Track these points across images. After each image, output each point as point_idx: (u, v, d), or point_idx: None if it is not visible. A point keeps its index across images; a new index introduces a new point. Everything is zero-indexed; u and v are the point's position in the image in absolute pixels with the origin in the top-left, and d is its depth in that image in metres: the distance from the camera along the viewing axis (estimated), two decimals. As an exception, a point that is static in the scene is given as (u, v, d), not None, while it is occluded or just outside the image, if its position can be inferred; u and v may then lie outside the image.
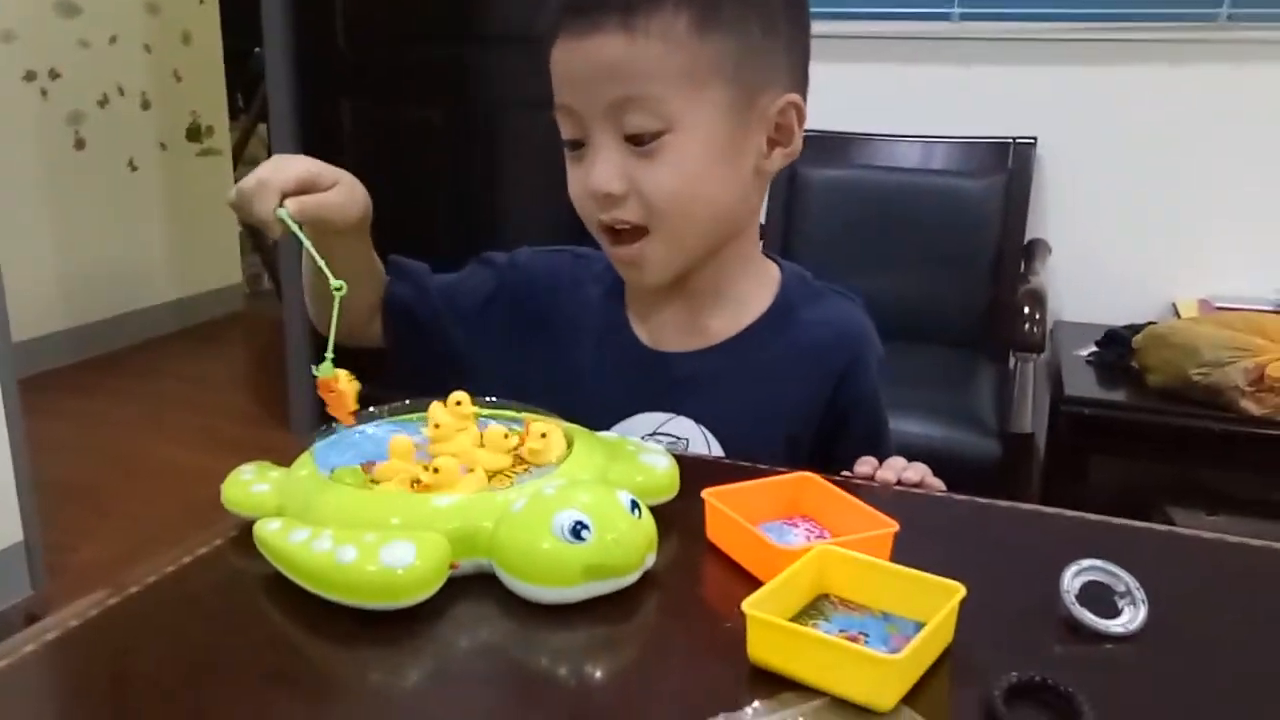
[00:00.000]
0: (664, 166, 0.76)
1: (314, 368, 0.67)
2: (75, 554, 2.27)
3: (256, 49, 3.53)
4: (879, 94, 2.39)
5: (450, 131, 2.60)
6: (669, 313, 0.87)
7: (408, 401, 0.72)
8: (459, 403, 0.68)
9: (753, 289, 0.88)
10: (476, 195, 2.61)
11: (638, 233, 0.79)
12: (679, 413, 0.85)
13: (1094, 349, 2.03)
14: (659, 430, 0.85)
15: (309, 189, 0.73)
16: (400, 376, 0.82)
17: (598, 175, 0.76)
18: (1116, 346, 1.99)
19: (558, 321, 0.90)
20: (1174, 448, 1.87)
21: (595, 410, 0.83)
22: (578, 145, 0.79)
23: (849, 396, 0.87)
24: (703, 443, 0.85)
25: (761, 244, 0.92)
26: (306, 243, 0.71)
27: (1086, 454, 1.92)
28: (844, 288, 0.92)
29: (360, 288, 0.81)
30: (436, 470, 0.60)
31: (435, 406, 0.67)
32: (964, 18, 2.31)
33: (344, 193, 0.76)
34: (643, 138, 0.75)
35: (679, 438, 0.84)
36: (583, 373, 0.88)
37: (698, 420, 0.85)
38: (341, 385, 0.66)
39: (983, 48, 2.31)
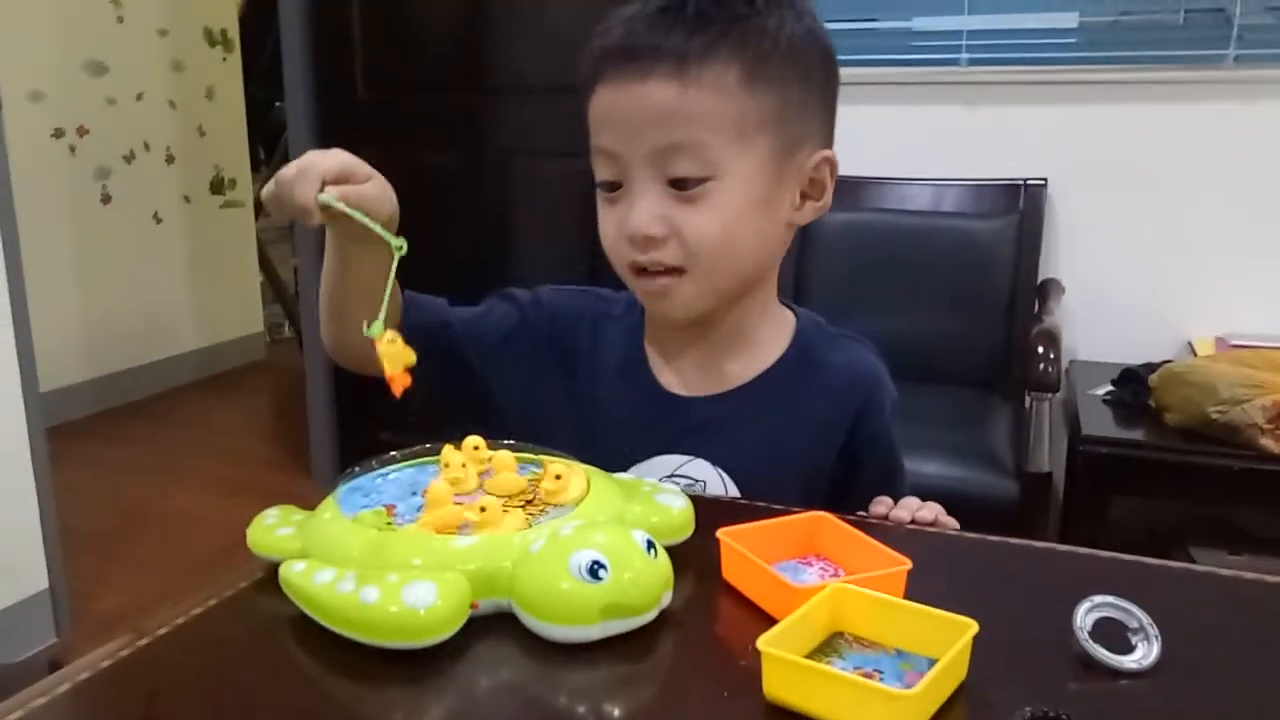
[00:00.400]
0: (706, 212, 0.78)
1: (366, 327, 0.67)
2: (98, 602, 2.29)
3: (278, 103, 3.61)
4: (889, 138, 2.42)
5: (465, 177, 2.65)
6: (689, 357, 0.88)
7: (428, 445, 0.73)
8: (476, 447, 0.69)
9: (770, 335, 0.89)
10: (490, 238, 2.65)
11: (671, 272, 0.80)
12: (697, 455, 0.86)
13: (1110, 388, 2.03)
14: (676, 472, 0.86)
15: (346, 179, 0.72)
16: (418, 404, 0.80)
17: (639, 218, 0.78)
18: (1133, 385, 1.99)
19: (579, 360, 0.91)
20: (1194, 487, 1.86)
21: (614, 451, 0.84)
22: (614, 187, 0.80)
23: (863, 438, 0.88)
24: (720, 485, 0.86)
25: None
26: (359, 216, 0.69)
27: (1105, 494, 1.91)
28: (857, 333, 0.94)
29: (377, 298, 0.77)
30: (484, 509, 0.61)
31: (447, 449, 0.68)
32: (972, 62, 2.34)
33: (379, 186, 0.75)
34: (687, 183, 0.77)
35: (696, 480, 0.86)
36: (602, 413, 0.89)
37: (715, 463, 0.86)
38: (390, 343, 0.66)
39: (991, 91, 2.33)
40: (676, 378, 0.89)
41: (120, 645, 0.57)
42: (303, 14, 2.67)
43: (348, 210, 0.69)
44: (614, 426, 0.88)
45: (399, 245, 0.69)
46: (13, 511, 2.06)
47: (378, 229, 0.70)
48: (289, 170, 0.71)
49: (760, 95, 0.77)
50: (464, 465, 0.67)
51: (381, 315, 0.67)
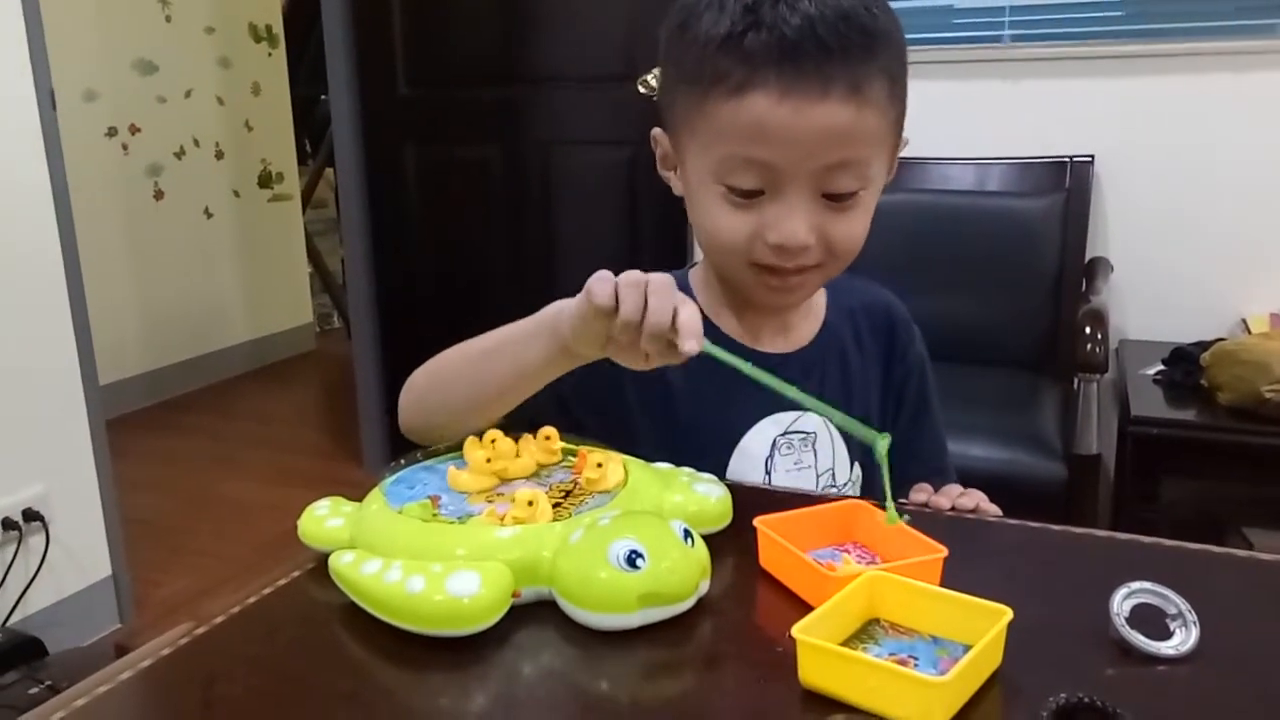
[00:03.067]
0: (855, 220, 0.80)
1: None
2: (158, 588, 2.36)
3: (323, 96, 3.66)
4: (932, 118, 2.38)
5: (506, 169, 2.67)
6: (767, 321, 0.91)
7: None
8: (493, 441, 0.70)
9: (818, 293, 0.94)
10: (532, 229, 2.68)
11: (807, 270, 0.81)
12: (802, 410, 0.86)
13: (1161, 367, 2.00)
14: (790, 428, 0.88)
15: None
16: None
17: (795, 230, 0.77)
18: (1184, 364, 1.96)
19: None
20: (1247, 467, 1.83)
21: (721, 428, 0.87)
22: (754, 194, 0.78)
23: (908, 359, 0.96)
24: (827, 434, 0.89)
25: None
26: (745, 367, 0.66)
27: (1156, 475, 1.88)
28: (895, 275, 1.02)
29: (509, 398, 0.77)
30: (531, 503, 0.62)
31: (470, 442, 0.70)
32: (1015, 38, 2.30)
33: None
34: (841, 195, 0.78)
35: (809, 432, 0.88)
36: (705, 392, 0.88)
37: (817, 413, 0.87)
38: None
39: (1035, 67, 2.30)
40: (765, 341, 0.91)
41: (180, 634, 0.59)
42: (344, 9, 2.71)
43: (733, 361, 0.64)
44: (718, 402, 0.88)
45: (885, 444, 0.64)
46: (78, 502, 2.13)
47: (858, 428, 0.66)
48: (671, 289, 0.64)
49: (896, 103, 0.79)
50: (487, 460, 0.68)
51: (890, 504, 0.64)
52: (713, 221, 0.81)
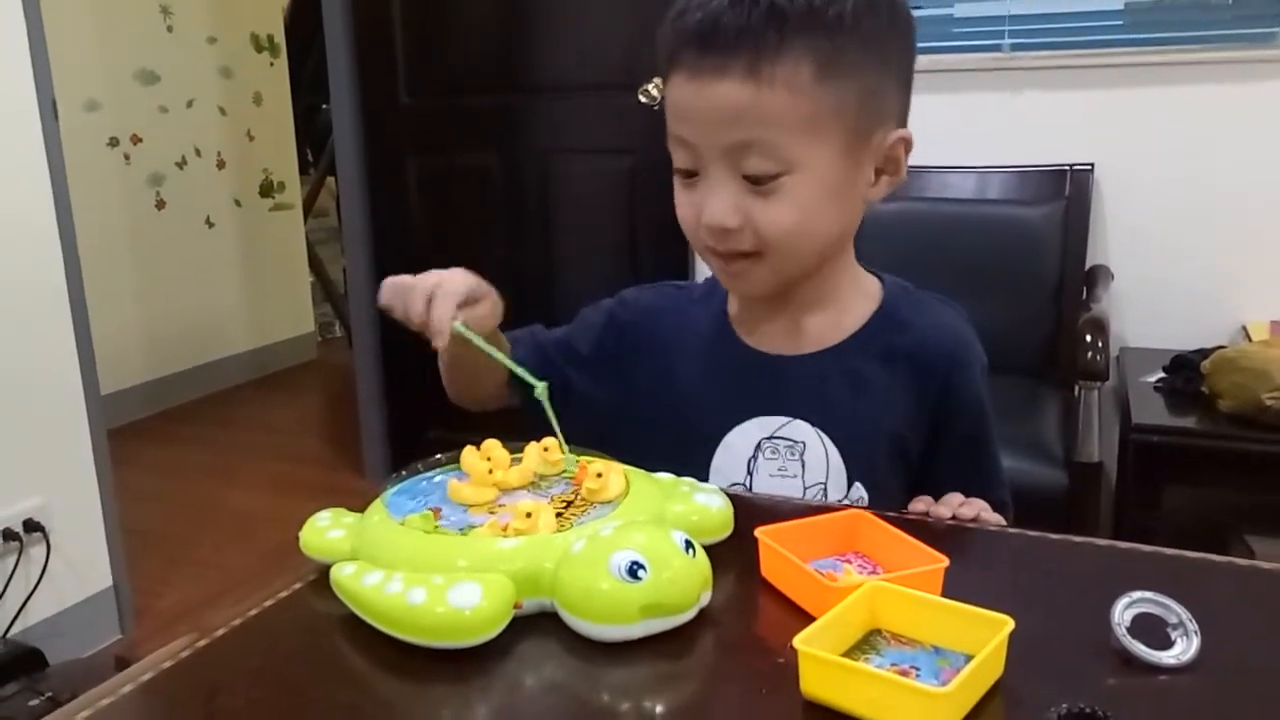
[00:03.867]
0: (780, 206, 0.78)
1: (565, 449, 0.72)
2: (158, 599, 2.36)
3: (324, 105, 3.67)
4: (932, 126, 2.37)
5: (506, 177, 2.68)
6: (775, 319, 0.90)
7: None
8: (546, 448, 0.72)
9: (854, 296, 0.91)
10: (533, 236, 2.68)
11: (747, 256, 0.82)
12: (795, 417, 0.87)
13: (1162, 375, 2.00)
14: (776, 434, 0.87)
15: (472, 303, 0.79)
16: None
17: (714, 210, 0.79)
18: (1185, 372, 1.95)
19: (667, 342, 0.93)
20: (1249, 475, 1.82)
21: (710, 419, 0.88)
22: (691, 174, 0.81)
23: (954, 402, 0.89)
24: (819, 446, 0.87)
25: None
26: (494, 353, 0.77)
27: (1158, 483, 1.88)
28: (946, 297, 0.95)
29: (494, 371, 0.86)
30: (529, 515, 0.62)
31: (468, 451, 0.70)
32: (1015, 47, 2.31)
33: (491, 306, 0.82)
34: (760, 178, 0.78)
35: (796, 441, 0.87)
36: (698, 384, 0.91)
37: (813, 424, 0.87)
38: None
39: (1035, 76, 2.30)
40: (765, 340, 0.90)
41: (181, 646, 0.60)
42: (345, 19, 2.72)
43: (486, 348, 0.76)
44: (711, 393, 0.90)
45: (541, 390, 0.74)
46: (78, 512, 2.13)
47: (520, 371, 0.77)
48: (421, 286, 0.76)
49: (835, 88, 0.77)
50: (489, 471, 0.69)
51: (561, 443, 0.72)
52: (676, 204, 0.84)
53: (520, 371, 0.76)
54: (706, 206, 0.79)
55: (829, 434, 0.87)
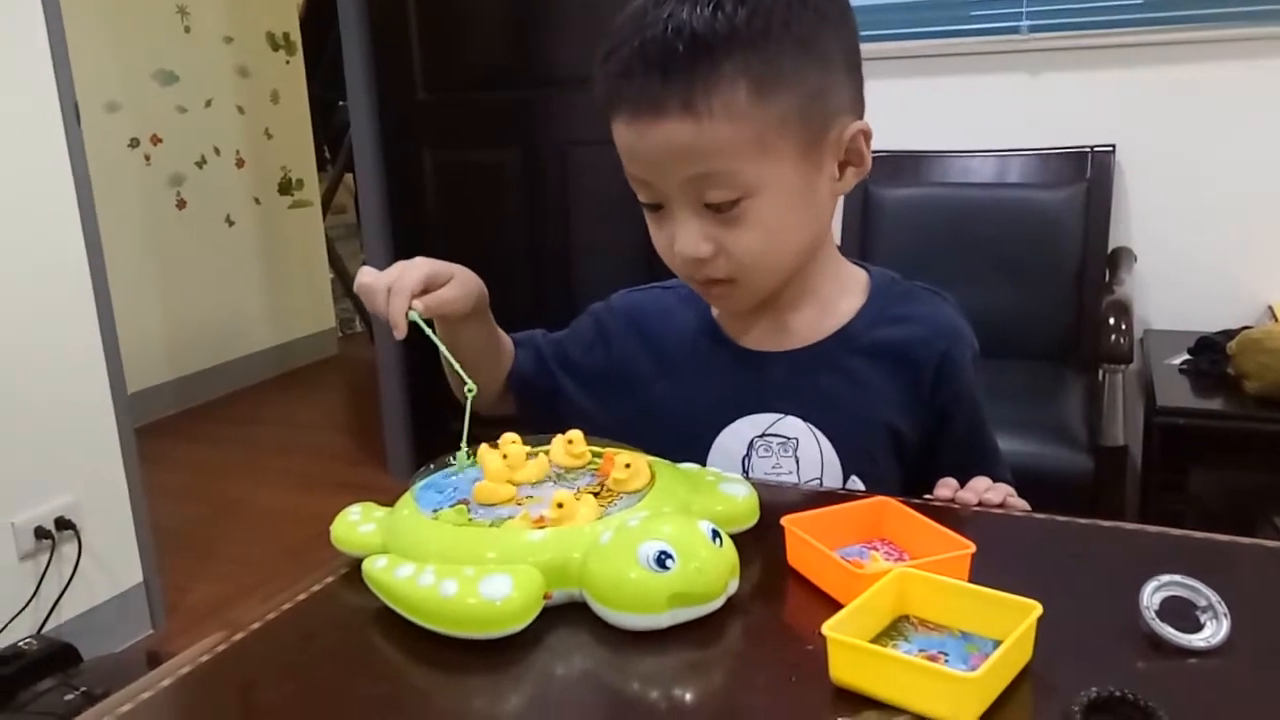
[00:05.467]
0: (748, 230, 0.78)
1: (453, 458, 0.74)
2: (188, 594, 2.39)
3: (341, 102, 3.68)
4: (951, 110, 2.39)
5: (524, 171, 2.68)
6: (760, 317, 0.89)
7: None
8: (571, 440, 0.73)
9: (838, 290, 0.90)
10: (550, 230, 2.69)
11: (725, 282, 0.82)
12: (786, 413, 0.87)
13: (1186, 357, 1.98)
14: (768, 431, 0.87)
15: (430, 288, 0.80)
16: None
17: (683, 242, 0.79)
18: (1210, 353, 1.94)
19: (655, 346, 0.94)
20: (1276, 456, 1.81)
21: (702, 420, 0.88)
22: (656, 208, 0.81)
23: (948, 391, 0.88)
24: (812, 441, 0.86)
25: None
26: (441, 345, 0.80)
27: (1184, 466, 1.86)
28: (935, 286, 0.94)
29: (490, 368, 0.91)
30: (561, 505, 0.63)
31: (484, 449, 0.71)
32: (1033, 30, 2.29)
33: (458, 286, 0.83)
34: (722, 206, 0.77)
35: (789, 438, 0.87)
36: (689, 385, 0.91)
37: (805, 419, 0.87)
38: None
39: (1053, 58, 2.28)
40: (753, 338, 0.90)
41: (217, 640, 0.60)
42: (361, 15, 2.73)
43: (434, 338, 0.79)
44: (702, 395, 0.90)
45: (470, 390, 0.76)
46: (109, 510, 2.16)
47: (454, 364, 0.79)
48: (381, 283, 0.78)
49: (776, 101, 0.75)
50: (504, 457, 0.70)
51: (464, 444, 0.73)
52: (651, 234, 0.83)
53: (457, 367, 0.78)
54: (677, 239, 0.79)
55: (821, 429, 0.86)
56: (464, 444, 0.73)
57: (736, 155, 0.75)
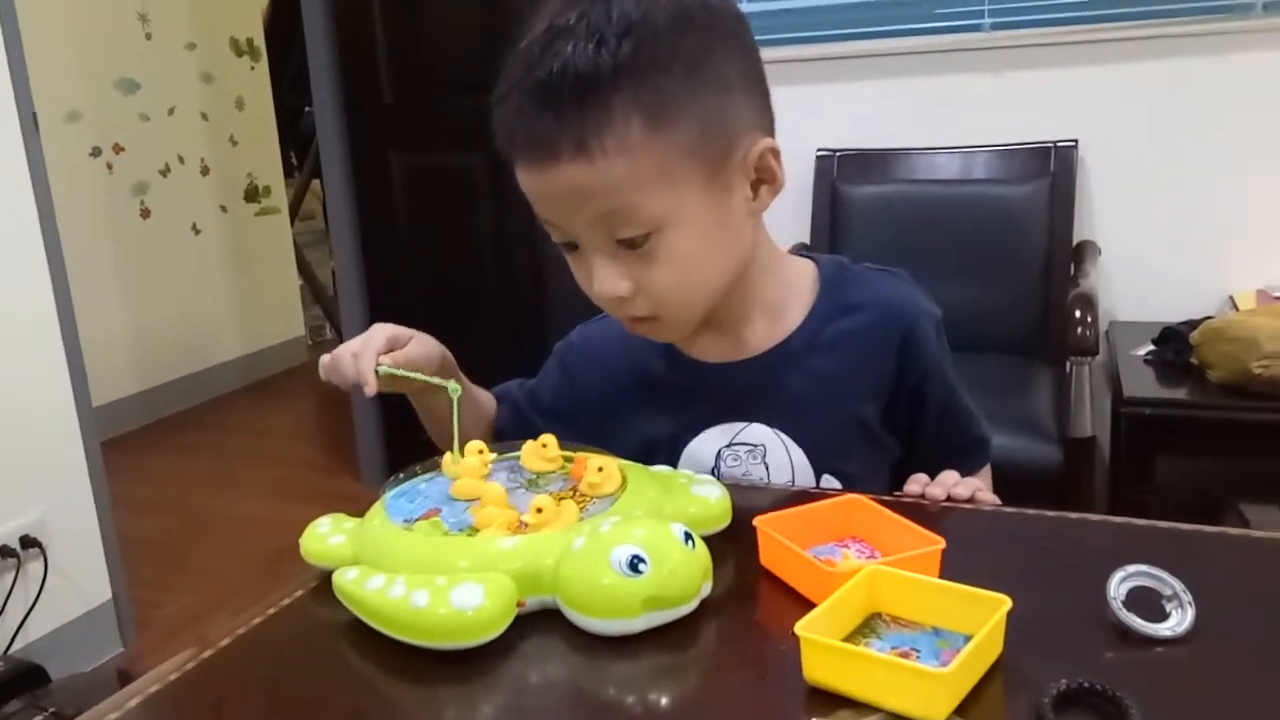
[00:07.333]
0: (663, 265, 0.76)
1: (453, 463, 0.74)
2: (159, 609, 2.36)
3: (307, 108, 3.65)
4: (915, 108, 2.41)
5: (491, 177, 2.67)
6: (711, 331, 0.88)
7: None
8: (480, 451, 0.73)
9: (788, 294, 0.89)
10: (517, 236, 2.68)
11: (649, 319, 0.81)
12: (751, 420, 0.87)
13: (1151, 348, 2.01)
14: (735, 440, 0.87)
15: (394, 348, 0.84)
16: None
17: (601, 283, 0.77)
18: (1174, 344, 1.97)
19: (615, 375, 0.94)
20: (1241, 443, 1.84)
21: (667, 438, 0.88)
22: (572, 247, 0.79)
23: (917, 368, 0.87)
24: (780, 446, 0.86)
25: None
26: (414, 375, 0.83)
27: (1151, 455, 1.89)
28: (884, 266, 0.93)
29: (471, 426, 0.92)
30: (540, 510, 0.63)
31: (447, 458, 0.72)
32: (995, 27, 2.31)
33: (420, 345, 0.86)
34: (634, 241, 0.75)
35: (756, 445, 0.86)
36: (648, 407, 0.91)
37: (770, 425, 0.87)
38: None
39: (1016, 55, 2.31)
40: (709, 350, 0.89)
41: (186, 658, 0.60)
42: (326, 20, 2.71)
43: (404, 373, 0.82)
44: (665, 413, 0.90)
45: (454, 389, 0.79)
46: (74, 525, 2.12)
47: (430, 380, 0.82)
48: (345, 353, 0.83)
49: (672, 131, 0.72)
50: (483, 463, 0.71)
51: (455, 446, 0.75)
52: (573, 273, 0.83)
53: (436, 381, 0.82)
54: (594, 280, 0.78)
55: (787, 432, 0.86)
56: (455, 445, 0.74)
57: (639, 190, 0.73)
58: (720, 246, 0.79)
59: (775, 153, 0.79)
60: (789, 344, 0.87)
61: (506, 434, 0.96)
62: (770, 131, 0.80)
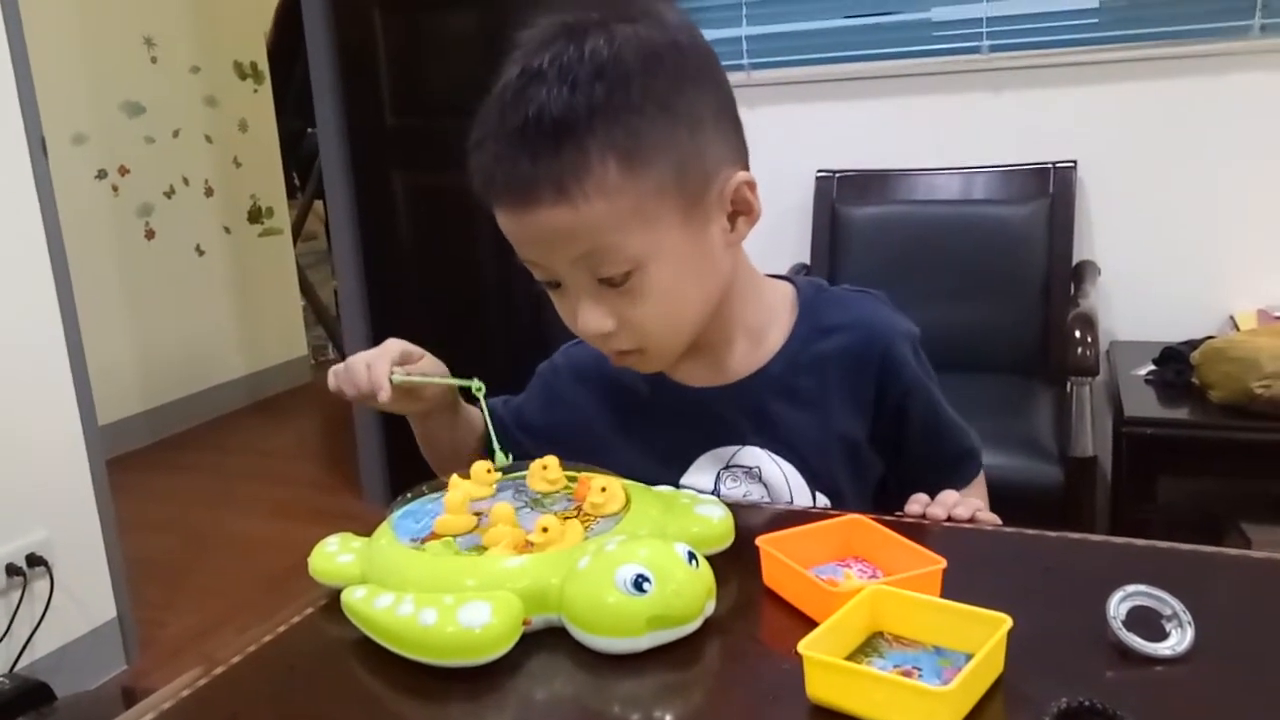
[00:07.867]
0: (645, 301, 0.77)
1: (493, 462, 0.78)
2: (163, 628, 2.36)
3: (310, 130, 3.68)
4: (915, 130, 2.43)
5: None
6: (698, 359, 0.89)
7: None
8: (545, 466, 0.74)
9: (768, 318, 0.90)
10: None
11: (633, 353, 0.82)
12: (744, 444, 0.88)
13: (1152, 368, 2.01)
14: (731, 463, 0.88)
15: (407, 361, 0.86)
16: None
17: (585, 321, 0.79)
18: (1175, 364, 1.97)
19: (604, 399, 0.94)
20: (1242, 463, 1.84)
21: (662, 463, 0.88)
22: (554, 285, 0.80)
23: (898, 386, 0.88)
24: (774, 466, 0.87)
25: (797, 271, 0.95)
26: (430, 379, 0.85)
27: (1153, 475, 1.89)
28: (860, 287, 0.94)
29: (464, 448, 0.94)
30: (546, 530, 0.63)
31: (455, 479, 0.72)
32: (993, 49, 2.33)
33: (432, 361, 0.88)
34: (615, 279, 0.76)
35: (751, 467, 0.87)
36: (639, 433, 0.91)
37: (763, 447, 0.88)
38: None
39: (1015, 76, 2.33)
40: (694, 375, 0.90)
41: (198, 674, 0.60)
42: (328, 41, 2.73)
43: (419, 379, 0.84)
44: (658, 439, 0.90)
45: (478, 386, 0.83)
46: (81, 544, 2.13)
47: (450, 381, 0.85)
48: (359, 360, 0.84)
49: (648, 171, 0.73)
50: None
51: (496, 447, 0.80)
52: (557, 309, 0.84)
53: (459, 383, 0.85)
54: (578, 318, 0.79)
55: (778, 453, 0.87)
56: (494, 445, 0.77)
57: (618, 230, 0.74)
58: (700, 279, 0.81)
59: (751, 185, 0.80)
60: (770, 368, 0.88)
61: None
62: (744, 164, 0.82)
